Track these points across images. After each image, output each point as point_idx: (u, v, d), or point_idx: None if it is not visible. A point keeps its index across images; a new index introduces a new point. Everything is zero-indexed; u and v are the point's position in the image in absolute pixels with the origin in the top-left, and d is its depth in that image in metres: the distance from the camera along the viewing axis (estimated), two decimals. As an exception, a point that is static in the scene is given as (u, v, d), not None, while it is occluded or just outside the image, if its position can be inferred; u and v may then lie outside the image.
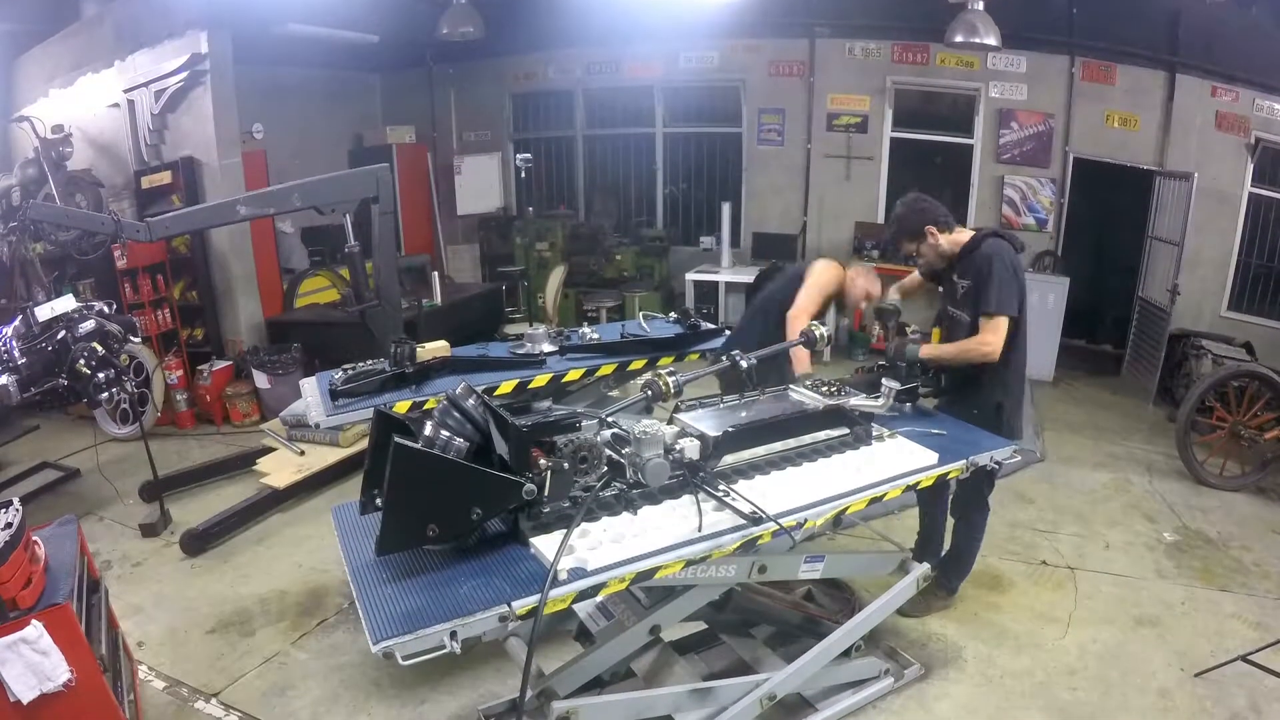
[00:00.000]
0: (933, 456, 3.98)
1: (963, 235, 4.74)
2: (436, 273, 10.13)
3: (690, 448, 3.35)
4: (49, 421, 8.42)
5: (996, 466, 4.24)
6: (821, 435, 4.02)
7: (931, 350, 4.62)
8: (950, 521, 5.15)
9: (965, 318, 4.68)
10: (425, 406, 4.65)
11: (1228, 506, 6.80)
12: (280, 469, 6.98)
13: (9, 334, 5.94)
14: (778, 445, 3.88)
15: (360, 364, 5.08)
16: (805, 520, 3.46)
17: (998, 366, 4.58)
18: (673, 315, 5.93)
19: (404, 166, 12.40)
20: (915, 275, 5.22)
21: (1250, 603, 5.39)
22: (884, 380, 4.24)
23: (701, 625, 4.49)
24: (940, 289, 5.06)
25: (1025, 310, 4.63)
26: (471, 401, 3.17)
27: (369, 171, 5.97)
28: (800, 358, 5.01)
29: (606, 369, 5.56)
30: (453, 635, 2.68)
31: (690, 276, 11.66)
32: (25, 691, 3.22)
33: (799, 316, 5.13)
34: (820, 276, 5.40)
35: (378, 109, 14.07)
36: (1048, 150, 10.49)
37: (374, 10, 10.35)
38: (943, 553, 5.21)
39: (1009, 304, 4.47)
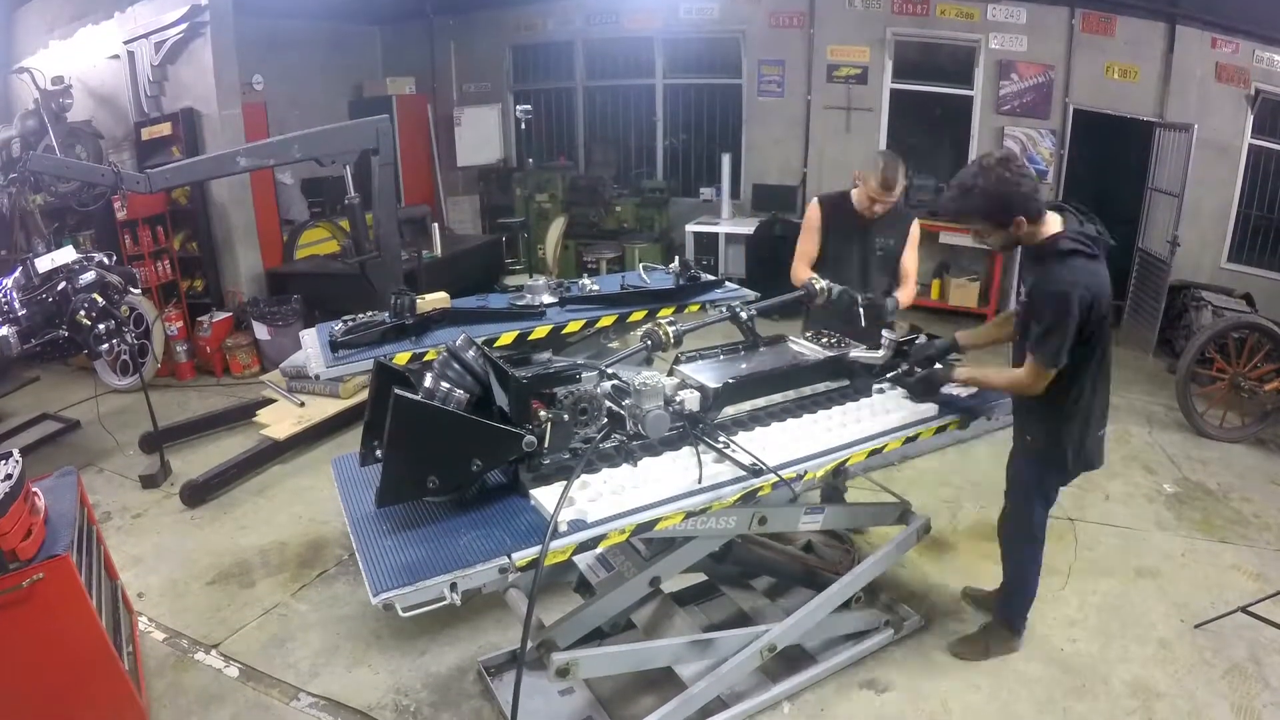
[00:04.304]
0: (932, 409, 3.97)
1: (1049, 225, 3.69)
2: (436, 224, 10.07)
3: (690, 399, 3.34)
4: (49, 373, 8.43)
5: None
6: (821, 387, 4.01)
7: (975, 374, 3.97)
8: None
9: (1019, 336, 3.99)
10: (425, 358, 4.64)
11: (1228, 458, 6.81)
12: (280, 420, 6.99)
13: (9, 285, 5.93)
14: (778, 397, 3.87)
15: (360, 315, 5.06)
16: (805, 472, 3.46)
17: (1062, 402, 3.86)
18: (673, 266, 5.89)
19: (404, 118, 12.31)
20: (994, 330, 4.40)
21: (1250, 554, 5.41)
22: (884, 332, 4.20)
23: (701, 577, 4.51)
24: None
25: (1105, 336, 3.80)
26: (471, 353, 3.15)
27: (369, 123, 5.92)
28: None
29: (606, 320, 5.53)
30: (453, 587, 2.68)
31: (690, 228, 11.62)
32: None
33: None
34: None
35: (378, 60, 13.95)
36: (1048, 102, 10.38)
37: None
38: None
39: (1057, 356, 3.62)
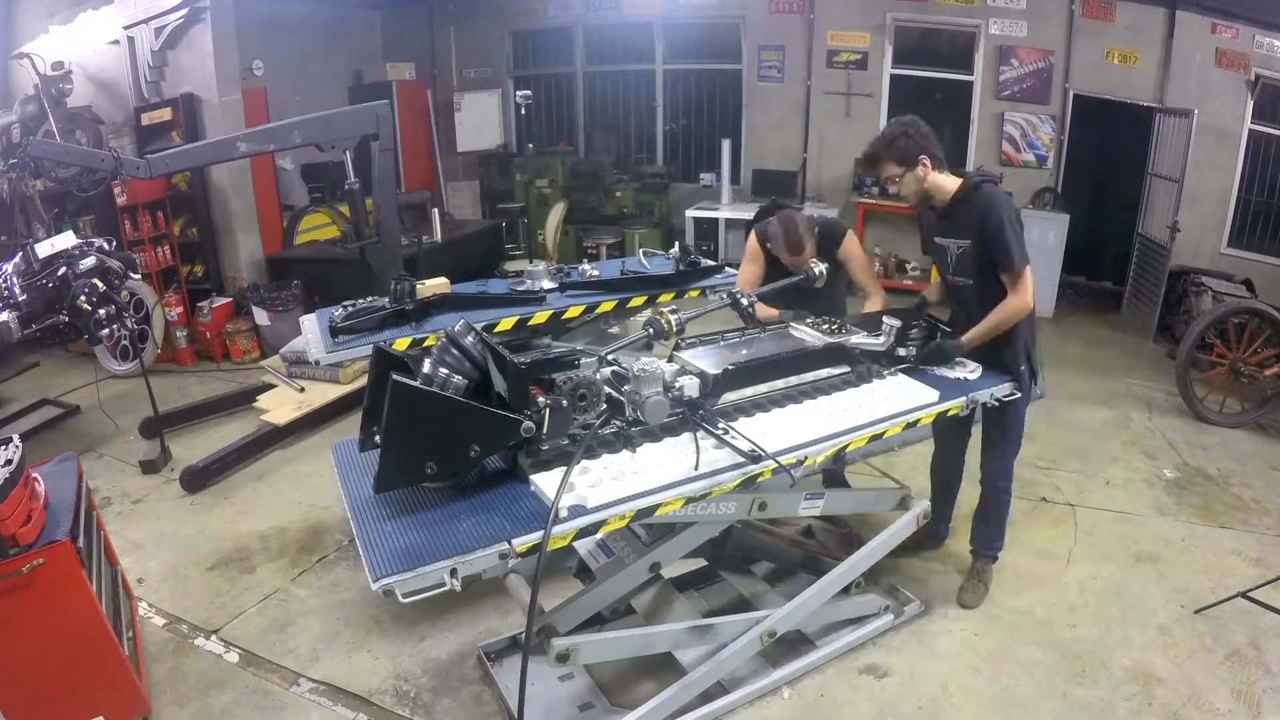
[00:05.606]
0: (933, 394, 3.96)
1: (949, 182, 4.19)
2: (436, 209, 10.08)
3: (690, 385, 3.33)
4: (49, 358, 8.43)
5: (996, 404, 4.21)
6: (822, 373, 4.00)
7: (976, 334, 4.21)
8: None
9: (968, 282, 4.31)
10: (425, 343, 4.63)
11: (1227, 443, 6.80)
12: (280, 406, 6.98)
13: (9, 271, 5.92)
14: (778, 383, 3.86)
15: (360, 301, 5.06)
16: (805, 458, 3.45)
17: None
18: (673, 251, 5.88)
19: (404, 103, 12.27)
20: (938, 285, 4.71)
21: (1250, 539, 5.40)
22: (885, 318, 4.19)
23: (701, 562, 4.50)
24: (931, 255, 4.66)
25: None
26: (470, 339, 3.14)
27: (369, 108, 5.91)
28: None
29: (606, 306, 5.53)
30: (453, 573, 2.67)
31: (690, 213, 11.62)
32: None
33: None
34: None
35: (378, 46, 13.86)
36: (1048, 87, 10.39)
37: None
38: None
39: (1025, 254, 4.10)
